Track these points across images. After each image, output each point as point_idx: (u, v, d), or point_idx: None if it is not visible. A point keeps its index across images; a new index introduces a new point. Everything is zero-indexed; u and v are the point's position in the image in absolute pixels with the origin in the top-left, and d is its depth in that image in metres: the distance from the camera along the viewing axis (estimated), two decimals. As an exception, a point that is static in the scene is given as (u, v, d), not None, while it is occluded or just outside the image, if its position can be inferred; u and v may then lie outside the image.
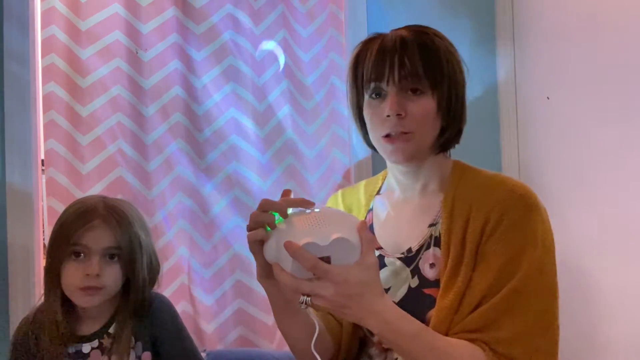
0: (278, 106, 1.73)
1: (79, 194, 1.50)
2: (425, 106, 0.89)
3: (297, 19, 1.81)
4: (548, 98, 1.66)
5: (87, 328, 1.07)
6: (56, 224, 1.05)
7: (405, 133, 0.88)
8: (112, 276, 1.04)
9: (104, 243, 1.03)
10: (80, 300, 1.03)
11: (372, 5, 1.84)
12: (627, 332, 1.35)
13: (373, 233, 0.99)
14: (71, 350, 1.04)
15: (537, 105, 1.71)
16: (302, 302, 0.74)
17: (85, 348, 1.06)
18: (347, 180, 1.81)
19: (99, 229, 1.03)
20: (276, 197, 0.82)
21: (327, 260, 0.74)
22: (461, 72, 0.94)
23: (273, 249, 0.78)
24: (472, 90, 1.86)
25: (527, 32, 1.79)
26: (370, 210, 1.02)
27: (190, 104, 1.64)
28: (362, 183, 1.11)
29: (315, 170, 1.78)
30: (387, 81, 0.88)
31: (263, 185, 1.67)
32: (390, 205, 1.00)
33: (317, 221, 0.76)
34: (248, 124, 1.68)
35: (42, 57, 1.52)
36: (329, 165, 1.80)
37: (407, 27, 0.93)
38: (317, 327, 0.82)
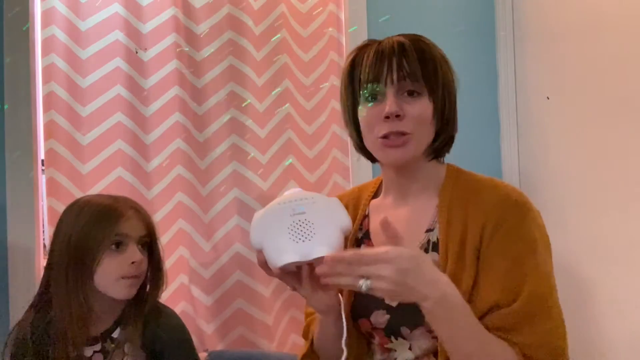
0: (278, 106, 1.73)
1: (79, 194, 1.50)
2: (422, 108, 0.89)
3: (297, 18, 1.81)
4: (548, 98, 1.66)
5: (91, 331, 1.05)
6: (73, 226, 1.03)
7: (404, 134, 0.88)
8: (146, 265, 1.08)
9: (140, 231, 1.06)
10: (122, 291, 1.04)
11: (372, 5, 1.84)
12: (626, 335, 1.35)
13: (369, 239, 0.98)
14: (72, 353, 1.02)
15: (537, 105, 1.71)
16: (362, 287, 0.73)
17: (88, 352, 1.04)
18: (347, 180, 1.81)
19: (133, 219, 1.06)
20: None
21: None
22: (454, 81, 0.94)
23: (259, 243, 0.81)
24: (472, 91, 1.87)
25: (527, 32, 1.79)
26: (366, 217, 1.01)
27: (190, 104, 1.64)
28: (356, 188, 1.10)
29: (315, 170, 1.78)
30: (385, 82, 0.88)
31: (263, 185, 1.67)
32: (386, 210, 0.99)
33: (302, 230, 0.79)
34: (248, 123, 1.68)
35: (42, 57, 1.52)
36: (329, 165, 1.80)
37: (402, 35, 0.93)
38: (345, 329, 0.84)
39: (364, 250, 0.76)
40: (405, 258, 0.74)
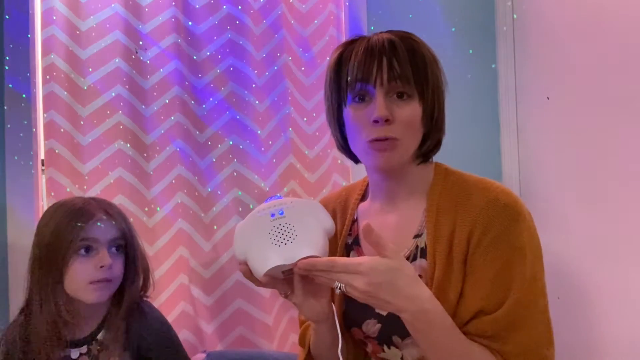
0: (278, 106, 1.73)
1: (79, 194, 1.50)
2: (412, 111, 0.85)
3: (297, 18, 1.81)
4: (548, 98, 1.66)
5: (77, 333, 1.05)
6: (46, 228, 1.03)
7: (392, 139, 0.84)
8: (119, 268, 1.06)
9: (111, 235, 1.04)
10: (91, 295, 1.02)
11: (372, 5, 1.84)
12: (626, 333, 1.35)
13: (359, 246, 0.96)
14: (58, 356, 1.02)
15: (537, 106, 1.71)
16: (337, 288, 0.74)
17: (74, 354, 1.04)
18: (347, 180, 1.81)
19: (103, 222, 1.04)
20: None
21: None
22: (443, 82, 0.91)
23: (242, 253, 0.79)
24: (472, 90, 1.87)
25: (527, 32, 1.79)
26: (355, 221, 0.99)
27: (190, 104, 1.64)
28: (343, 191, 1.07)
29: (315, 170, 1.78)
30: (375, 82, 0.84)
31: (263, 185, 1.67)
32: (374, 216, 0.96)
33: (283, 233, 0.77)
34: (248, 123, 1.68)
35: (42, 57, 1.53)
36: (329, 165, 1.80)
37: (391, 32, 0.90)
38: (340, 337, 0.82)
39: (338, 258, 0.74)
40: (379, 272, 0.73)
